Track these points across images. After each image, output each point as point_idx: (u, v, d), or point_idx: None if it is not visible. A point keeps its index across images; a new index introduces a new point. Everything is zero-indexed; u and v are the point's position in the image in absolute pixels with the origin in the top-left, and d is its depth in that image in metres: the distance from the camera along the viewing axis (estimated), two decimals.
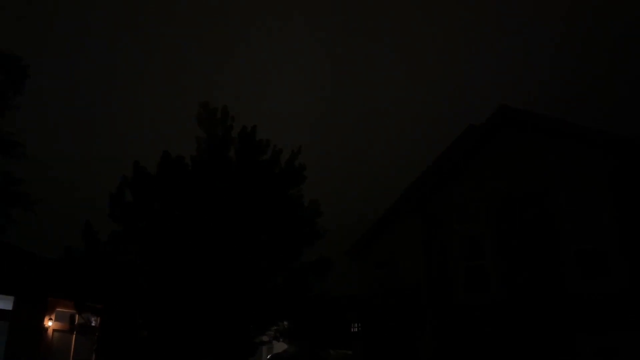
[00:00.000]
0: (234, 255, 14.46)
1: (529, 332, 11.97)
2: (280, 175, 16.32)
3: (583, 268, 11.76)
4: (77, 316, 18.31)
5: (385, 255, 16.44)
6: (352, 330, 16.90)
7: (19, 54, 13.51)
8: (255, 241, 15.05)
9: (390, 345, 15.14)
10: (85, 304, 15.30)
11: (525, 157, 13.19)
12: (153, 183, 14.99)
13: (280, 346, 24.88)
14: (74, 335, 19.79)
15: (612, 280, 11.29)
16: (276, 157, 16.52)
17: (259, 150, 16.38)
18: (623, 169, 11.60)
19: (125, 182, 15.05)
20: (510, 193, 13.14)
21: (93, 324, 17.73)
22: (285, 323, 19.34)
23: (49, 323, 18.94)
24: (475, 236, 13.61)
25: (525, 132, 13.33)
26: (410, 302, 14.59)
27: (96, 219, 14.88)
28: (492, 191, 13.47)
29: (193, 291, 13.89)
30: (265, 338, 16.51)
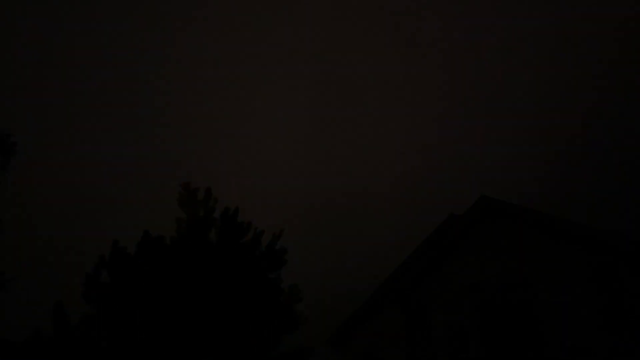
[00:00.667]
0: (212, 342, 13.92)
1: None
2: (260, 259, 16.11)
3: None
4: None
5: (367, 345, 16.03)
6: None
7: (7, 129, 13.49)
8: (234, 328, 14.57)
9: None
10: None
11: (506, 248, 13.35)
12: (132, 263, 14.64)
13: None
14: None
15: None
16: (257, 239, 16.38)
17: (240, 233, 16.24)
18: (607, 266, 11.75)
19: (103, 262, 14.66)
20: (492, 284, 13.16)
21: None
22: None
23: None
24: (459, 327, 13.44)
25: (507, 224, 13.58)
26: None
27: (69, 300, 14.32)
28: (474, 281, 13.49)
29: None
30: None
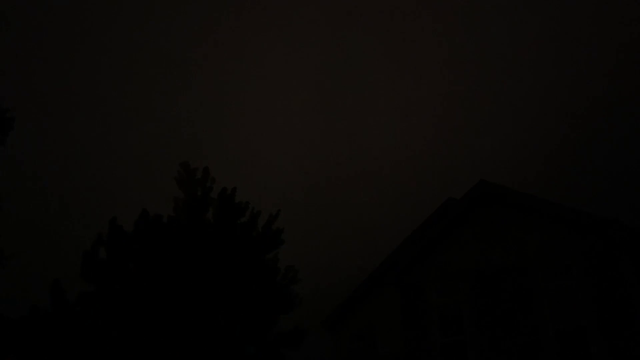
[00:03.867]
0: (208, 322, 14.02)
1: None
2: (257, 239, 16.13)
3: (562, 348, 11.69)
4: None
5: (363, 328, 16.12)
6: None
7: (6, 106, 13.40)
8: (230, 308, 14.65)
9: None
10: None
11: (503, 232, 13.35)
12: (129, 242, 14.66)
13: None
14: None
15: None
16: (254, 220, 16.38)
17: (238, 213, 16.24)
18: (602, 250, 11.79)
19: (100, 240, 14.68)
20: (488, 268, 13.20)
21: None
22: None
23: None
24: (454, 310, 13.51)
25: (504, 208, 13.57)
26: None
27: (68, 277, 14.38)
28: (471, 265, 13.51)
29: (161, 359, 13.32)
30: None
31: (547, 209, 12.86)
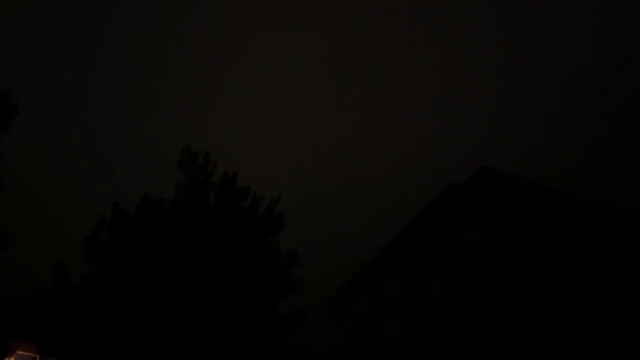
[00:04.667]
0: (209, 304, 14.15)
1: None
2: (259, 223, 16.20)
3: (561, 335, 11.77)
4: None
5: (364, 312, 16.26)
6: None
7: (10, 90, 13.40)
8: (231, 292, 14.78)
9: None
10: (51, 348, 14.68)
11: (504, 219, 13.39)
12: (132, 225, 14.75)
13: None
14: None
15: (590, 348, 11.30)
16: (256, 204, 16.43)
17: (240, 197, 16.29)
18: (603, 237, 11.81)
19: (103, 223, 14.76)
20: (489, 255, 13.26)
21: None
22: None
23: None
24: (454, 296, 13.61)
25: (506, 195, 13.59)
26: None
27: (71, 259, 14.49)
28: (471, 251, 13.58)
29: (165, 341, 13.48)
30: None
31: (548, 195, 12.88)
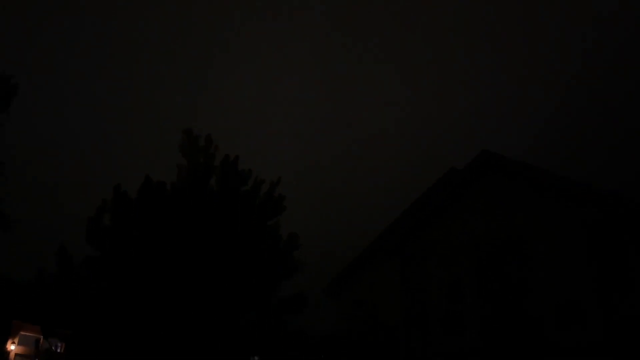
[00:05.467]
0: (210, 287, 14.24)
1: None
2: (260, 206, 16.23)
3: (559, 318, 11.86)
4: (41, 341, 17.75)
5: (363, 294, 16.36)
6: None
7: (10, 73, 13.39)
8: (232, 273, 14.86)
9: None
10: (53, 329, 14.84)
11: (505, 203, 13.38)
12: (133, 208, 14.79)
13: None
14: None
15: (587, 330, 11.39)
16: (257, 187, 16.44)
17: (241, 180, 16.30)
18: (600, 223, 11.82)
19: (105, 206, 14.81)
20: (489, 239, 13.28)
21: (58, 351, 17.18)
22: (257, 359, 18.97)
23: (11, 347, 18.31)
24: (454, 279, 13.67)
25: (506, 180, 13.57)
26: (388, 342, 14.47)
27: (73, 242, 14.57)
28: (471, 236, 13.60)
29: (165, 323, 13.59)
30: None
31: (548, 180, 12.86)
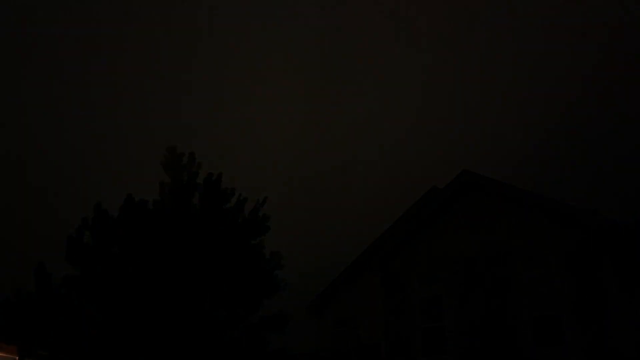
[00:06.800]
0: (192, 305, 14.15)
1: None
2: (243, 225, 16.24)
3: (539, 335, 11.99)
4: None
5: (346, 312, 16.37)
6: None
7: None
8: (214, 292, 14.80)
9: None
10: (30, 349, 14.55)
11: (484, 221, 13.57)
12: (114, 226, 14.71)
13: None
14: None
15: (566, 348, 11.54)
16: (240, 206, 16.47)
17: (224, 199, 16.32)
18: (581, 241, 12.04)
19: (86, 225, 14.70)
20: (469, 256, 13.43)
21: None
22: None
23: None
24: (435, 297, 13.77)
25: (486, 198, 13.78)
26: None
27: (52, 261, 14.40)
28: (452, 253, 13.74)
29: (147, 341, 13.44)
30: None
31: (527, 199, 13.09)
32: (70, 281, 14.15)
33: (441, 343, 13.28)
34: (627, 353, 10.95)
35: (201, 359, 14.14)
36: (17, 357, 16.28)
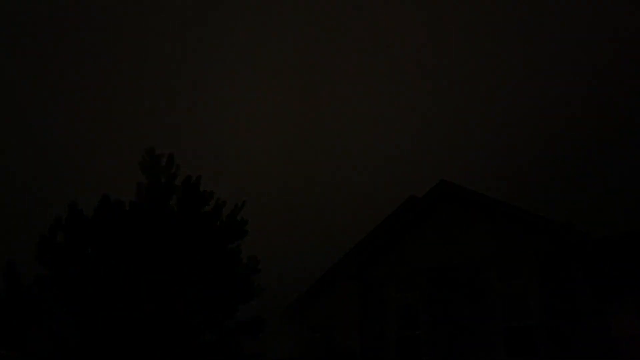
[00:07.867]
0: (166, 309, 13.96)
1: None
2: (221, 229, 16.12)
3: (511, 345, 12.11)
4: None
5: (322, 319, 16.36)
6: None
7: None
8: (190, 296, 14.63)
9: None
10: None
11: (461, 231, 13.72)
12: (89, 227, 14.46)
13: None
14: None
15: (538, 359, 11.67)
16: (219, 209, 16.34)
17: (202, 202, 16.18)
18: (553, 252, 12.24)
19: (59, 224, 14.42)
20: (445, 265, 13.55)
21: None
22: None
23: None
24: (411, 305, 13.84)
25: (463, 208, 13.94)
26: None
27: (24, 261, 14.08)
28: (428, 262, 13.85)
29: (119, 343, 13.22)
30: None
31: (502, 209, 13.27)
32: (41, 282, 13.85)
33: (415, 351, 13.32)
34: None
35: None
36: None
